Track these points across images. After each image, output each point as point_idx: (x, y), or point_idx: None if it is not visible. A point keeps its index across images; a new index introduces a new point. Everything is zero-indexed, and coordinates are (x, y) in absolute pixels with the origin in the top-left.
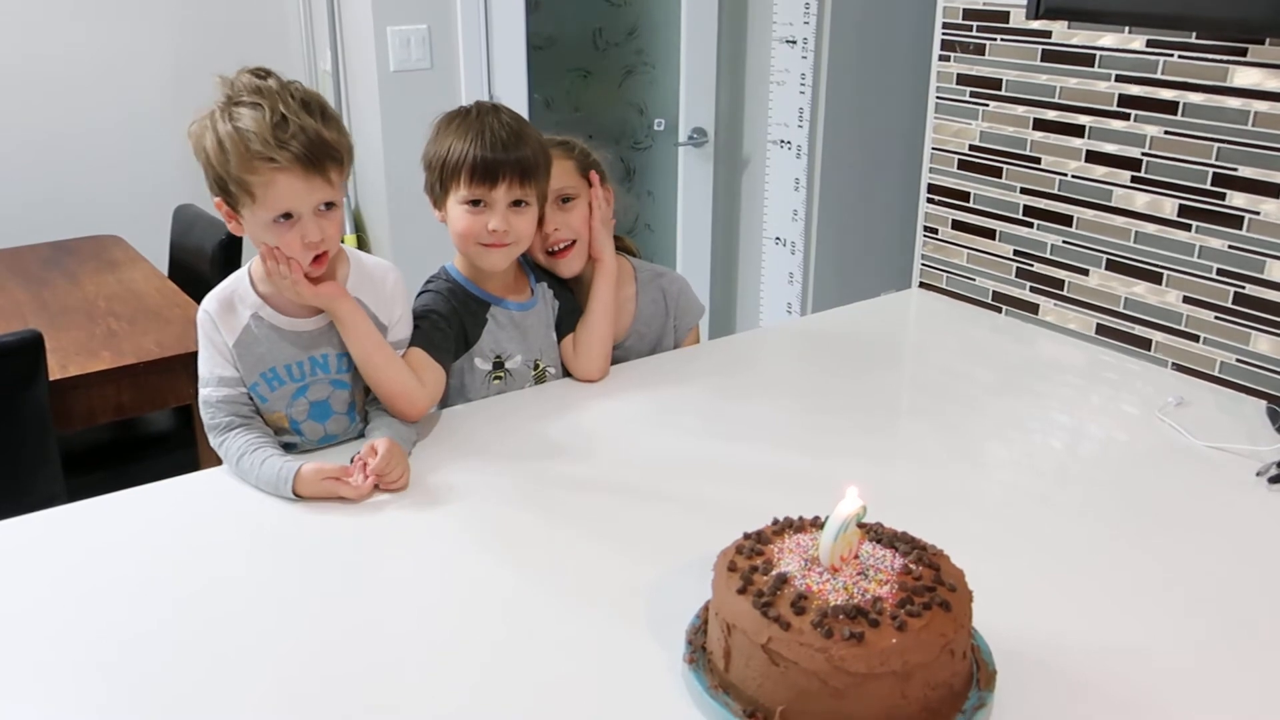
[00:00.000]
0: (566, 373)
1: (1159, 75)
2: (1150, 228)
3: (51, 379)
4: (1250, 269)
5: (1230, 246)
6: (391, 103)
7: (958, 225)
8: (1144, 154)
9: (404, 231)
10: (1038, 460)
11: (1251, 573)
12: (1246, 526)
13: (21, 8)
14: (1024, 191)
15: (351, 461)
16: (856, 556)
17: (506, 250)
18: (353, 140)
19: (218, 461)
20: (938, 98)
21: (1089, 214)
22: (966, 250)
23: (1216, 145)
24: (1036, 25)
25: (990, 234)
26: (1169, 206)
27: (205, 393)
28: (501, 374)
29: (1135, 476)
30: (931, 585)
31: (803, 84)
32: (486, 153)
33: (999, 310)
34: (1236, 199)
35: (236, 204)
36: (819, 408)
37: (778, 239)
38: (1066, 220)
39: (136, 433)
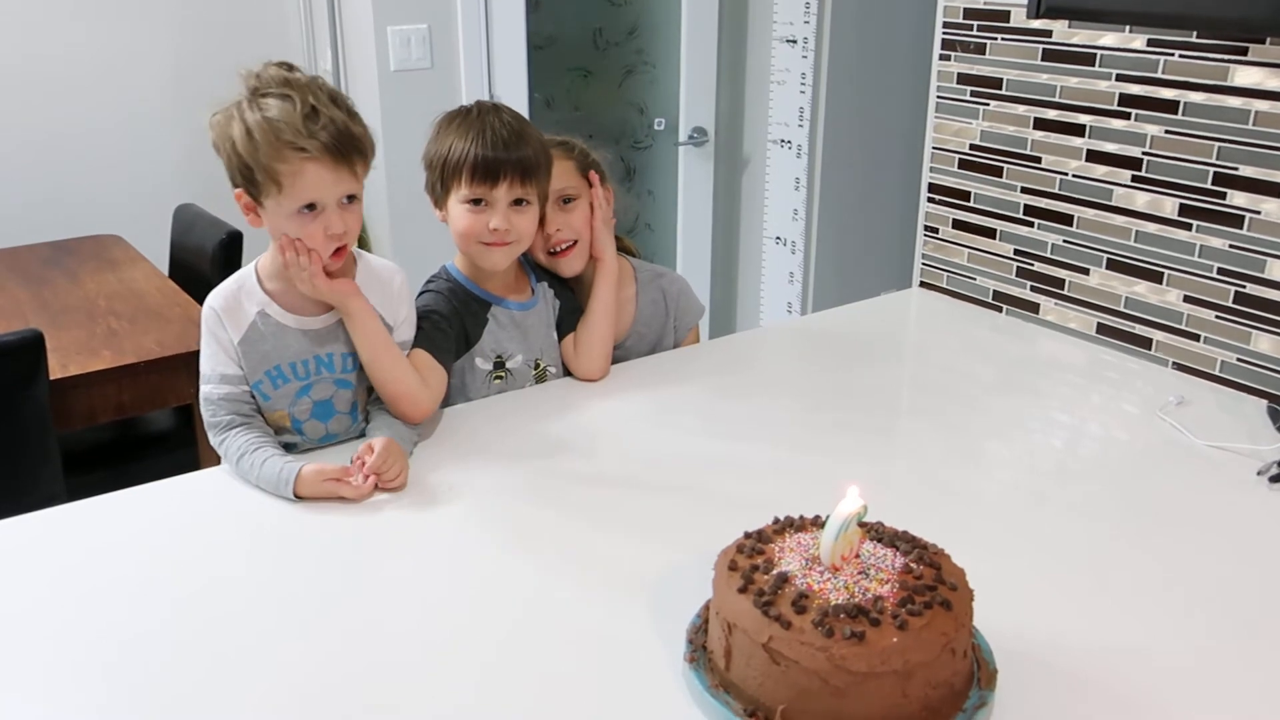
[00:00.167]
0: (567, 372)
1: (1160, 74)
2: (1151, 227)
3: (52, 378)
4: (1251, 268)
5: (1231, 246)
6: (391, 102)
7: (958, 224)
8: (1145, 153)
9: (404, 231)
10: (1038, 459)
11: (1252, 572)
12: (1247, 526)
13: (21, 8)
14: (1025, 191)
15: (351, 462)
16: (857, 555)
17: (508, 249)
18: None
19: (218, 461)
20: (938, 97)
21: (1090, 213)
22: (967, 249)
23: (1217, 144)
24: (1037, 24)
25: (991, 233)
26: (1170, 206)
27: (206, 390)
28: (502, 374)
29: (1136, 476)
30: (932, 584)
31: (803, 83)
32: (487, 152)
33: (999, 310)
34: (1237, 198)
35: (260, 194)
36: (819, 407)
37: (778, 238)
38: (1067, 220)
39: (137, 432)
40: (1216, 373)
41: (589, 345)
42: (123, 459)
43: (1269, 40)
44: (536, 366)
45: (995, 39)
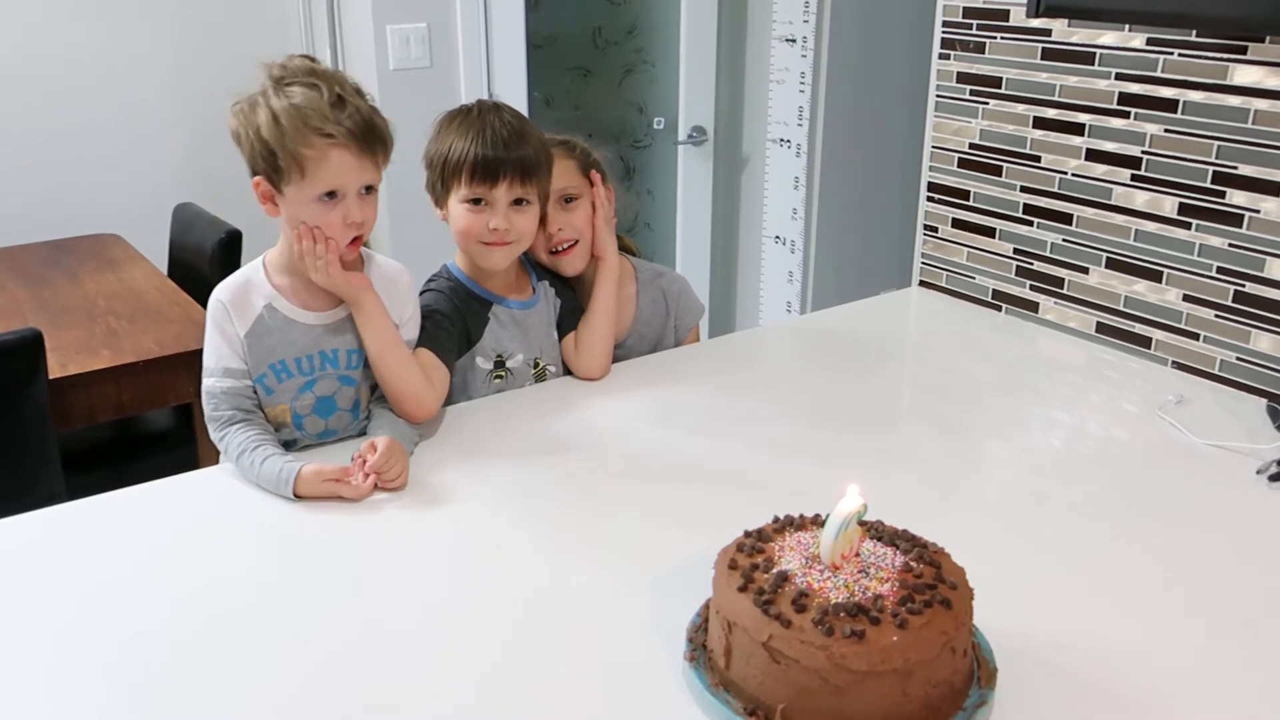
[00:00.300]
0: (567, 371)
1: (1159, 73)
2: (1150, 226)
3: (51, 377)
4: (1250, 267)
5: (1230, 245)
6: (391, 101)
7: (958, 224)
8: (1144, 152)
9: (404, 230)
10: (1038, 458)
11: (1252, 571)
12: (1246, 524)
13: (21, 7)
14: (1024, 190)
15: (352, 460)
16: (857, 554)
17: (508, 249)
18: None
19: (217, 460)
20: (938, 96)
21: (1089, 212)
22: (966, 249)
23: (1216, 143)
24: (1036, 23)
25: (990, 232)
26: (1169, 205)
27: (209, 383)
28: (502, 373)
29: (1135, 474)
30: (932, 583)
31: (802, 82)
32: (487, 151)
33: (999, 309)
34: (1236, 197)
35: (282, 181)
36: (819, 406)
37: (777, 238)
38: (1067, 218)
39: (136, 431)
40: (1216, 371)
41: (590, 344)
42: (122, 458)
43: (1268, 39)
44: (536, 366)
45: (995, 38)
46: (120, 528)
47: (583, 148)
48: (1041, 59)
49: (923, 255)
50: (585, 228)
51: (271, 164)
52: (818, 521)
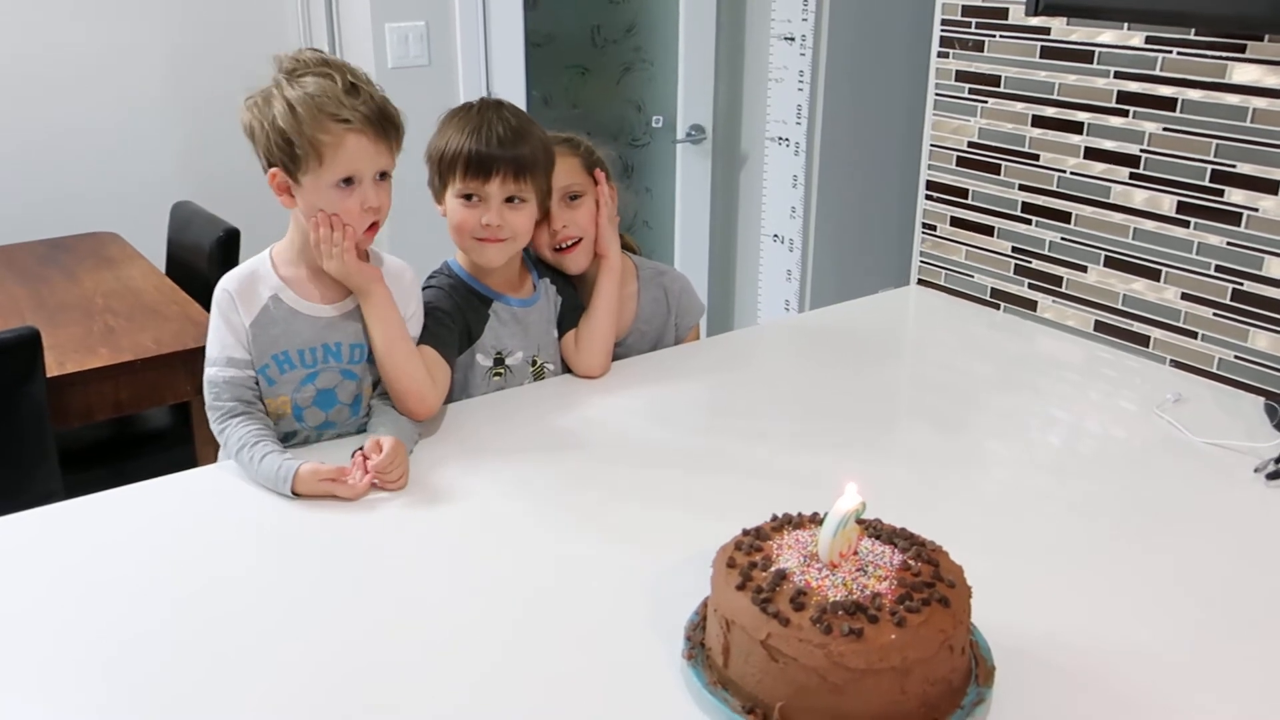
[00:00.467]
0: (565, 369)
1: (1158, 72)
2: (1149, 224)
3: (49, 376)
4: (1249, 265)
5: (1229, 243)
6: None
7: (956, 222)
8: (1142, 150)
9: (403, 228)
10: (1036, 457)
11: (1249, 569)
12: (1244, 523)
13: (20, 7)
14: (1022, 188)
15: (352, 455)
16: (855, 552)
17: (502, 246)
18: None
19: (215, 458)
20: (936, 94)
21: (1087, 211)
22: (965, 247)
23: (1215, 142)
24: (1035, 22)
25: (989, 231)
26: (1167, 203)
27: (212, 373)
28: (502, 370)
29: (1133, 473)
30: (930, 581)
31: (801, 81)
32: (481, 147)
33: (997, 307)
34: (1235, 195)
35: (299, 169)
36: (817, 404)
37: (776, 236)
38: (1065, 217)
39: (134, 429)
40: (1214, 370)
41: (590, 342)
42: (120, 456)
43: (1267, 38)
44: (534, 364)
45: (993, 36)
46: (118, 526)
47: (587, 146)
48: (1040, 57)
49: (921, 253)
50: (589, 225)
51: (288, 153)
52: (816, 520)
